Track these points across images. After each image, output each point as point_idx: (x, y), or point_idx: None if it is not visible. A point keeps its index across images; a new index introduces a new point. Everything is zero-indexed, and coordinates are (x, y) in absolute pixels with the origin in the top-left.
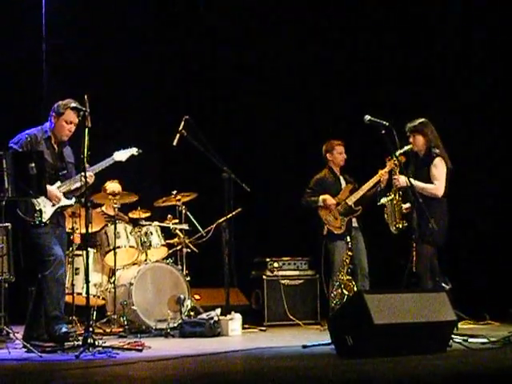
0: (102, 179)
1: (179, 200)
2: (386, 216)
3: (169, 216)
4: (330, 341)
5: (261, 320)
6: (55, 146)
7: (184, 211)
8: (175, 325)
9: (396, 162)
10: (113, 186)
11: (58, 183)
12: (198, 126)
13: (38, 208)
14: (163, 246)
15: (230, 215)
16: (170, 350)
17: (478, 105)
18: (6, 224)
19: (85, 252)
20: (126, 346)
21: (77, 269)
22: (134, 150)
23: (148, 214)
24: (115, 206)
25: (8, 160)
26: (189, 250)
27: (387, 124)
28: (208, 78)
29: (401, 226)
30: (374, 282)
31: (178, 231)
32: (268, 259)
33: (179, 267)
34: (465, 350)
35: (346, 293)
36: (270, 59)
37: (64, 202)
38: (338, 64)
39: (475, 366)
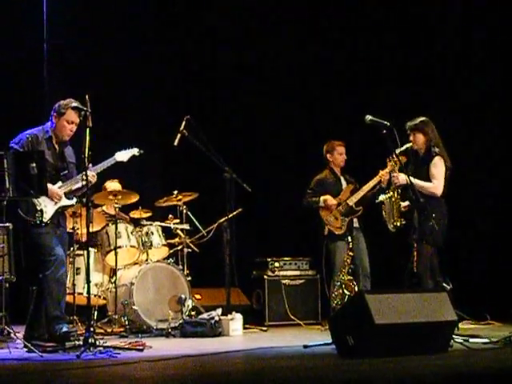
0: (103, 179)
1: (180, 200)
2: (383, 213)
3: (170, 216)
4: (330, 341)
5: (262, 320)
6: (56, 146)
7: (185, 211)
8: (176, 325)
9: (395, 159)
10: (113, 185)
11: (60, 183)
12: (199, 126)
13: (38, 208)
14: (164, 245)
15: (231, 215)
16: (171, 349)
17: (477, 105)
18: (7, 224)
19: (86, 252)
20: (126, 346)
21: (78, 269)
22: (135, 151)
23: (149, 214)
24: (116, 205)
25: (9, 160)
26: (190, 250)
27: (388, 124)
28: (208, 77)
29: (398, 224)
30: (374, 282)
31: (179, 231)
32: (269, 259)
33: (180, 267)
34: (466, 350)
35: (347, 293)
36: (270, 59)
37: (65, 201)
38: (337, 64)
39: (476, 366)
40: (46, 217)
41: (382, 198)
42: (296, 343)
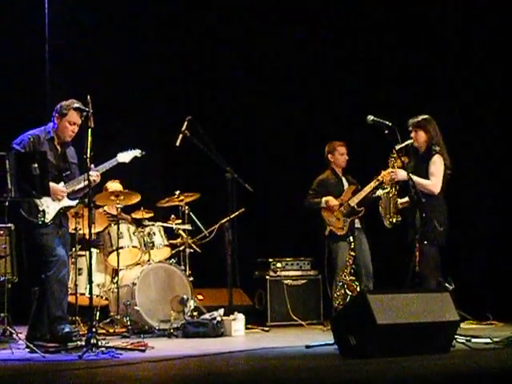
0: (104, 179)
1: (182, 200)
2: (380, 209)
3: (172, 216)
4: (333, 341)
5: (264, 320)
6: (58, 147)
7: (187, 211)
8: (178, 325)
9: (395, 155)
10: (114, 185)
11: (62, 184)
12: (200, 127)
13: (41, 208)
14: (166, 246)
15: (233, 215)
16: (173, 350)
17: (478, 105)
18: (9, 224)
19: (88, 252)
20: (129, 347)
21: (80, 269)
22: (137, 152)
23: (151, 215)
24: (118, 206)
25: (11, 160)
26: (192, 251)
27: (390, 124)
28: (208, 77)
29: (394, 220)
30: (376, 282)
31: (181, 231)
32: (271, 259)
33: (182, 267)
34: (468, 350)
35: (349, 293)
36: (270, 59)
37: (67, 202)
38: (338, 64)
39: (478, 366)
40: (48, 217)
41: (379, 192)
42: (298, 343)
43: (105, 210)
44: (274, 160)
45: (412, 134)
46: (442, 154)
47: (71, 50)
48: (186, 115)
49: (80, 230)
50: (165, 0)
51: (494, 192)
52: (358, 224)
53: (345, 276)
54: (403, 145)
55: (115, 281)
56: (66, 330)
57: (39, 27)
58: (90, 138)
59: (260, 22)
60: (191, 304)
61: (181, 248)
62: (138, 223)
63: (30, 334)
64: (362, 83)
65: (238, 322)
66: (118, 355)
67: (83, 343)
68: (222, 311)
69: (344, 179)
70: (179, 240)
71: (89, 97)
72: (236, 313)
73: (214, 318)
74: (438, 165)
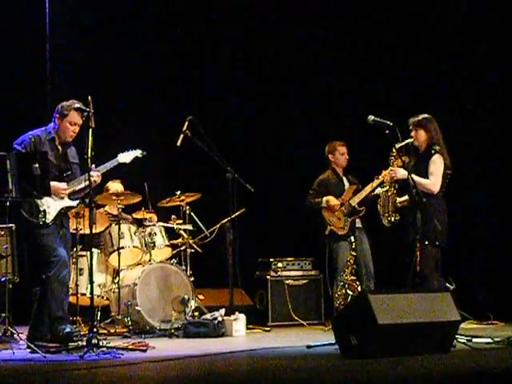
0: (105, 179)
1: (183, 200)
2: (378, 207)
3: (173, 216)
4: (334, 341)
5: (265, 320)
6: (59, 147)
7: (188, 212)
8: (179, 325)
9: (395, 153)
10: (115, 185)
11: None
12: (201, 127)
13: (42, 209)
14: (167, 246)
15: (234, 215)
16: (174, 350)
17: (478, 105)
18: (10, 225)
19: (89, 252)
20: (130, 347)
21: (81, 269)
22: (138, 152)
23: (152, 215)
24: (119, 206)
25: (12, 161)
26: (193, 251)
27: (391, 124)
28: (208, 78)
29: (393, 219)
30: (377, 283)
31: (181, 232)
32: (272, 259)
33: (183, 267)
34: (469, 350)
35: (350, 293)
36: (270, 59)
37: (68, 202)
38: (337, 64)
39: (479, 366)
40: (49, 218)
41: (378, 191)
42: (299, 343)
43: (106, 210)
44: (275, 160)
45: (412, 133)
46: (442, 154)
47: (72, 49)
48: (187, 115)
49: (81, 230)
50: (165, 0)
51: (494, 192)
52: (358, 224)
53: (346, 276)
54: (403, 143)
55: (116, 281)
56: (67, 330)
57: (40, 27)
58: (90, 138)
59: (260, 21)
60: (192, 304)
61: (182, 248)
62: (139, 223)
63: (30, 334)
64: (361, 83)
65: (238, 322)
66: (119, 355)
67: (84, 343)
68: (222, 311)
69: (345, 179)
70: (180, 240)
71: (90, 97)
72: (237, 313)
73: (215, 318)
74: (437, 164)
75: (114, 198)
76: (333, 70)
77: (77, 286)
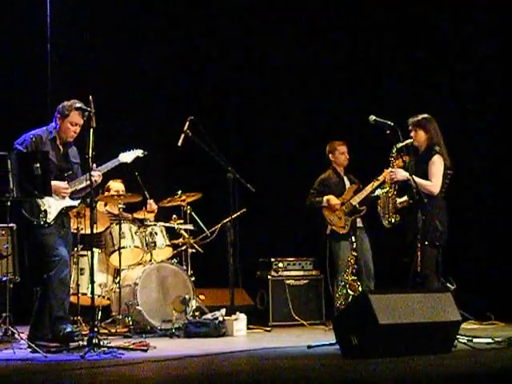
0: (106, 179)
1: (184, 200)
2: (378, 208)
3: (174, 216)
4: (334, 341)
5: (266, 320)
6: (60, 147)
7: (189, 211)
8: (180, 325)
9: (395, 154)
10: (117, 185)
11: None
12: (202, 127)
13: (42, 208)
14: (168, 246)
15: (235, 215)
16: (175, 350)
17: (478, 104)
18: (11, 224)
19: (90, 252)
20: (131, 347)
21: (82, 269)
22: (139, 152)
23: (153, 214)
24: (120, 206)
25: (13, 160)
26: (194, 251)
27: (392, 124)
28: (208, 77)
29: (393, 220)
30: (378, 282)
31: (182, 231)
32: (273, 259)
33: (184, 267)
34: (470, 350)
35: (351, 293)
36: (270, 59)
37: (69, 202)
38: (337, 64)
39: (480, 366)
40: (50, 217)
41: (378, 192)
42: (300, 343)
43: (106, 210)
44: (275, 160)
45: (412, 134)
46: (442, 155)
47: (72, 49)
48: (187, 115)
49: (82, 229)
50: (165, 0)
51: (494, 192)
52: (360, 223)
53: (347, 276)
54: (403, 144)
55: (117, 281)
56: (68, 329)
57: (40, 27)
58: (91, 138)
59: (260, 21)
60: (193, 304)
61: (182, 248)
62: (141, 223)
63: (31, 333)
64: (362, 83)
65: (239, 321)
66: (120, 355)
67: (85, 343)
68: (223, 311)
69: (346, 178)
70: (181, 240)
71: (90, 97)
72: (238, 313)
73: (216, 318)
74: (437, 165)
75: (115, 197)
76: (333, 70)
77: (78, 285)
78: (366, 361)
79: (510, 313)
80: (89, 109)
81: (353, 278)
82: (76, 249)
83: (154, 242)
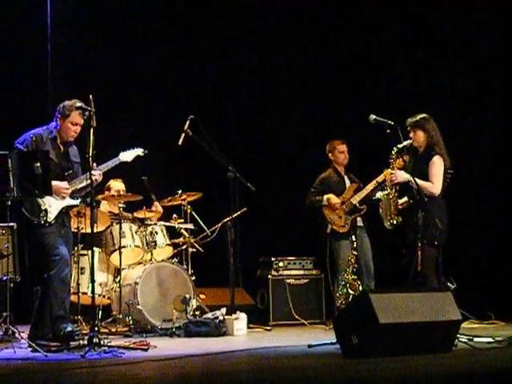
0: (106, 178)
1: (184, 199)
2: (380, 210)
3: (174, 215)
4: (335, 340)
5: (266, 319)
6: (61, 146)
7: (189, 211)
8: (180, 324)
9: (394, 156)
10: (117, 184)
11: (65, 183)
12: (203, 126)
13: (43, 208)
14: (168, 245)
15: (235, 215)
16: (176, 349)
17: (478, 104)
18: (12, 224)
19: (90, 251)
20: (131, 346)
21: (82, 268)
22: (139, 151)
23: (153, 214)
24: (120, 205)
25: (13, 160)
26: (194, 250)
27: (392, 123)
28: (208, 77)
29: (395, 221)
30: (378, 282)
31: (183, 231)
32: (273, 259)
33: (184, 267)
34: (470, 349)
35: (352, 292)
36: (270, 59)
37: (69, 201)
38: (338, 64)
39: (481, 365)
40: (51, 216)
41: (379, 195)
42: (300, 343)
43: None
44: (276, 159)
45: (411, 134)
46: (442, 155)
47: (72, 49)
48: (187, 114)
49: (82, 229)
50: (165, 0)
51: (494, 192)
52: (360, 222)
53: (347, 275)
54: (402, 145)
55: (117, 280)
56: (69, 329)
57: (41, 27)
58: (92, 137)
59: (260, 21)
60: (193, 303)
61: (183, 247)
62: (141, 222)
63: (32, 333)
64: (362, 83)
65: (240, 321)
66: (121, 354)
67: (86, 342)
68: (224, 310)
69: (346, 177)
70: (181, 239)
71: (91, 96)
72: (238, 312)
73: (216, 318)
74: (437, 166)
75: (115, 196)
76: (333, 70)
77: (78, 285)
78: (367, 360)
79: (510, 312)
80: (89, 108)
81: (353, 277)
82: (76, 248)
83: (155, 242)
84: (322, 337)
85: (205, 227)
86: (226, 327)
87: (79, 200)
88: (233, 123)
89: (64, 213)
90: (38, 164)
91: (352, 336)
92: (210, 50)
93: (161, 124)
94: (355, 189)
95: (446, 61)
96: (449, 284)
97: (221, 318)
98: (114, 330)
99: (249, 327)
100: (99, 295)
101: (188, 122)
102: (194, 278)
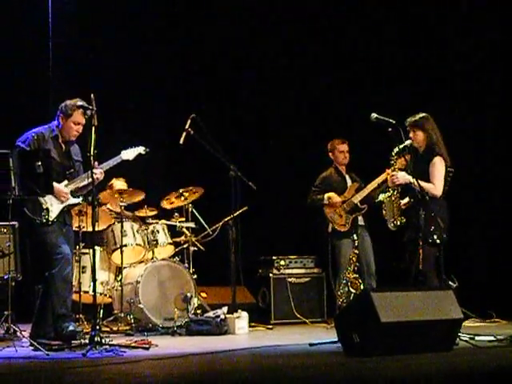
0: (109, 177)
1: (186, 199)
2: (384, 212)
3: (175, 214)
4: (336, 339)
5: (267, 318)
6: (62, 145)
7: (190, 209)
8: (182, 323)
9: (394, 157)
10: (119, 183)
11: (66, 182)
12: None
13: (44, 207)
14: (170, 244)
15: (237, 213)
16: (177, 348)
17: (478, 104)
18: (13, 222)
19: (91, 250)
20: (132, 344)
21: (84, 267)
22: (141, 149)
23: (155, 213)
24: (122, 204)
25: (15, 159)
26: (195, 249)
27: (394, 122)
28: (208, 77)
29: (399, 222)
30: (380, 280)
31: (184, 229)
32: (274, 257)
33: (186, 265)
34: (472, 347)
35: (353, 291)
36: (270, 59)
37: (71, 200)
38: (338, 64)
39: (482, 364)
40: (52, 215)
41: (381, 197)
42: (302, 341)
43: (108, 208)
44: (277, 158)
45: (411, 134)
46: (442, 155)
47: (73, 48)
48: (188, 114)
49: (83, 227)
50: (165, 0)
51: (494, 192)
52: (361, 221)
53: (348, 274)
54: (402, 146)
55: (119, 279)
56: (71, 328)
57: (42, 26)
58: (93, 136)
59: (260, 22)
60: (195, 302)
61: (184, 246)
62: (142, 221)
63: (33, 331)
64: (362, 83)
65: (241, 319)
66: (122, 353)
67: (87, 341)
68: (225, 309)
69: (347, 177)
70: (183, 238)
71: (92, 95)
72: (239, 311)
73: (218, 316)
74: (438, 167)
75: (116, 195)
76: (333, 70)
77: (79, 283)
78: (368, 359)
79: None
80: (91, 107)
81: (354, 275)
82: (78, 247)
83: (156, 240)
84: (323, 335)
85: (206, 226)
86: (227, 326)
87: (81, 199)
88: (233, 123)
89: (65, 211)
90: (40, 163)
91: (353, 335)
92: (210, 50)
93: (161, 123)
94: (356, 188)
95: (446, 61)
96: (450, 282)
97: (222, 316)
98: (115, 328)
99: (250, 326)
100: (101, 294)
101: (189, 120)
102: (195, 276)
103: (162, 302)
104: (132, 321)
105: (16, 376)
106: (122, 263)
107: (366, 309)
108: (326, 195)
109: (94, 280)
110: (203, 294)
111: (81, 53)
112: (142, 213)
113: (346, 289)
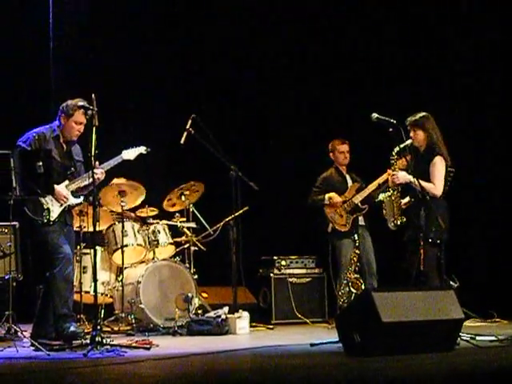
0: (109, 177)
1: (187, 198)
2: (384, 212)
3: (176, 214)
4: (337, 339)
5: (268, 318)
6: (64, 145)
7: (191, 209)
8: (183, 323)
9: (395, 157)
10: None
11: (66, 182)
12: (205, 125)
13: (45, 207)
14: (171, 244)
15: (238, 213)
16: (178, 348)
17: (478, 104)
18: (14, 223)
19: (92, 250)
20: (133, 345)
21: (85, 267)
22: (142, 149)
23: (155, 213)
24: (122, 204)
25: (16, 159)
26: (196, 249)
27: (394, 122)
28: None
29: (399, 222)
30: (381, 280)
31: (185, 229)
32: (275, 257)
33: (187, 265)
34: (473, 347)
35: (354, 291)
36: (270, 59)
37: (72, 200)
38: (338, 64)
39: (483, 363)
40: (53, 215)
41: (381, 196)
42: (302, 341)
43: (109, 208)
44: (277, 158)
45: (411, 134)
46: (443, 154)
47: (74, 49)
48: (189, 114)
49: (84, 228)
50: (165, 0)
51: (494, 192)
52: (362, 221)
53: (349, 274)
54: (402, 145)
55: (120, 279)
56: (72, 328)
57: (43, 26)
58: (94, 136)
59: (260, 22)
60: (196, 302)
61: (185, 246)
62: (143, 221)
63: (34, 331)
64: (362, 83)
65: (242, 320)
66: (123, 353)
67: (88, 341)
68: (226, 309)
69: (348, 177)
70: (184, 238)
71: (93, 95)
72: (240, 311)
73: (219, 316)
74: (439, 167)
75: (117, 195)
76: (333, 70)
77: (80, 283)
78: (369, 359)
79: None
80: (92, 107)
81: (355, 275)
82: (79, 247)
83: (157, 240)
84: (324, 335)
85: (207, 226)
86: (228, 326)
87: (82, 198)
88: (233, 123)
89: (66, 212)
90: (41, 163)
91: (354, 335)
92: (210, 50)
93: (161, 123)
94: (357, 188)
95: (446, 61)
96: (451, 282)
97: (223, 316)
98: (116, 328)
99: (251, 326)
100: (101, 294)
101: (190, 120)
102: (196, 276)
103: (163, 302)
104: (133, 321)
105: (17, 376)
106: (122, 263)
107: (367, 309)
108: (327, 195)
109: (95, 280)
110: (204, 294)
111: (81, 53)
112: (142, 213)
113: (347, 289)
